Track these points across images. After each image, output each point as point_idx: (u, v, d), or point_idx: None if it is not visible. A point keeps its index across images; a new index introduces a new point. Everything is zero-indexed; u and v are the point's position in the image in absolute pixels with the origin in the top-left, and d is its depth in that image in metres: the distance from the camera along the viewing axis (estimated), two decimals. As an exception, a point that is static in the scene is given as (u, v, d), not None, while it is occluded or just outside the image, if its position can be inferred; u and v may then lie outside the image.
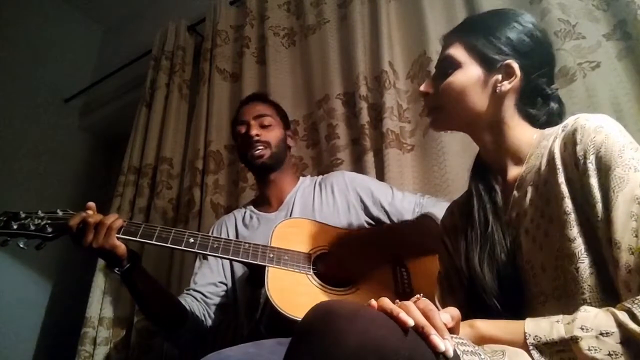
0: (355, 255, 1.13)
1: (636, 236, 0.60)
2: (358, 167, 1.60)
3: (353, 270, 1.12)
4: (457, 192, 0.97)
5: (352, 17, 1.78)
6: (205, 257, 1.36)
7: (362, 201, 1.31)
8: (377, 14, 1.72)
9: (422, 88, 0.87)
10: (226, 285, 1.34)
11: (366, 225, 1.30)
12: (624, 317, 0.55)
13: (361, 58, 1.70)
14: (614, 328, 0.55)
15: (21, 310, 2.33)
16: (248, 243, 1.13)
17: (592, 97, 1.25)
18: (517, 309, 0.72)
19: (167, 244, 1.10)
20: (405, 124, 1.59)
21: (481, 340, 0.63)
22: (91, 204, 1.12)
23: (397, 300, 0.56)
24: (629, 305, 0.56)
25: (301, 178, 1.46)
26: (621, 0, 1.27)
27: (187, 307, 1.22)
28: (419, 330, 0.52)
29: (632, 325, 0.54)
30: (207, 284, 1.31)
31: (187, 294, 1.29)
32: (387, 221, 1.29)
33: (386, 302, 0.55)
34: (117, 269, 1.10)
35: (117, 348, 1.84)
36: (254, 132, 1.37)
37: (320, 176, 1.46)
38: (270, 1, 2.09)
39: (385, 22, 1.70)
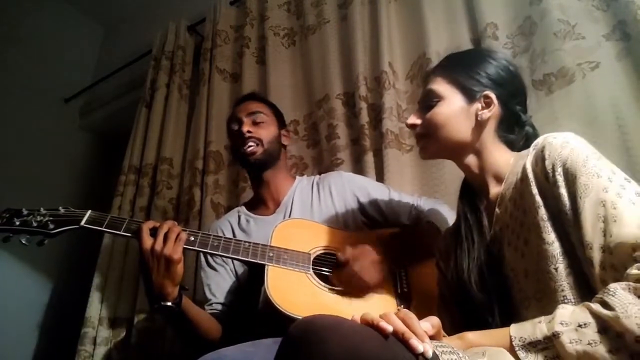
0: (360, 258, 1.12)
1: (604, 235, 0.64)
2: (358, 167, 1.60)
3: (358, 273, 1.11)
4: (455, 192, 0.98)
5: (352, 17, 1.78)
6: (209, 265, 1.33)
7: (359, 202, 1.32)
8: (378, 14, 1.72)
9: (409, 121, 0.95)
10: (238, 284, 1.31)
11: (363, 225, 1.30)
12: (597, 307, 0.58)
13: (361, 58, 1.70)
14: (590, 319, 0.58)
15: (21, 309, 2.33)
16: (248, 242, 1.13)
17: (591, 98, 1.25)
18: (507, 317, 0.76)
19: None
20: (404, 124, 1.59)
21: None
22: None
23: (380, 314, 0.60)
24: (600, 295, 0.59)
25: (297, 178, 1.46)
26: (621, 1, 1.27)
27: (219, 323, 1.20)
28: (399, 337, 0.55)
29: (605, 312, 0.57)
30: (226, 294, 1.28)
31: (211, 309, 1.25)
32: (383, 222, 1.29)
33: (367, 314, 0.58)
34: (168, 302, 1.03)
35: (117, 348, 1.84)
36: (245, 128, 1.37)
37: (318, 176, 1.45)
38: (270, 1, 2.09)
39: (386, 23, 1.70)
